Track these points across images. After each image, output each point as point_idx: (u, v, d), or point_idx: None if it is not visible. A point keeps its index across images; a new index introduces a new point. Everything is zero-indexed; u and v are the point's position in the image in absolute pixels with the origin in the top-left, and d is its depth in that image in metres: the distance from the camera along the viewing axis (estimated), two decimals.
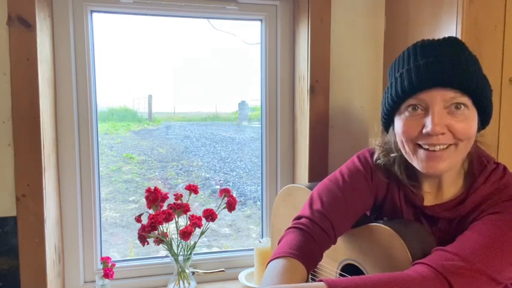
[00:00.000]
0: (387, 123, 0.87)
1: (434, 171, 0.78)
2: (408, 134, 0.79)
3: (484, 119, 0.81)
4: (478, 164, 0.83)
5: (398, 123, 0.82)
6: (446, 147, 0.77)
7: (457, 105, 0.75)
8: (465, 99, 0.75)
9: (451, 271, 0.68)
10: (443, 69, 0.74)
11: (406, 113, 0.79)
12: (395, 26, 1.37)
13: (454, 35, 1.03)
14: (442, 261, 0.70)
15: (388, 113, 0.84)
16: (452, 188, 0.85)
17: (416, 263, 0.73)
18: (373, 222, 0.87)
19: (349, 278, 0.70)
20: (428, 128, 0.75)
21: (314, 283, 0.69)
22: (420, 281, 0.67)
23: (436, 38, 0.80)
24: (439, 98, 0.75)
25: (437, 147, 0.76)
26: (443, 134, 0.75)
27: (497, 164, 0.84)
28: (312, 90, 1.36)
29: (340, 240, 0.93)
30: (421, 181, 0.88)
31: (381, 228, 0.84)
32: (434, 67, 0.75)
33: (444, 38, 0.80)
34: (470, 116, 0.77)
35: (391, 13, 1.40)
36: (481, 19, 1.05)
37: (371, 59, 1.44)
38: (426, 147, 0.77)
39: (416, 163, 0.81)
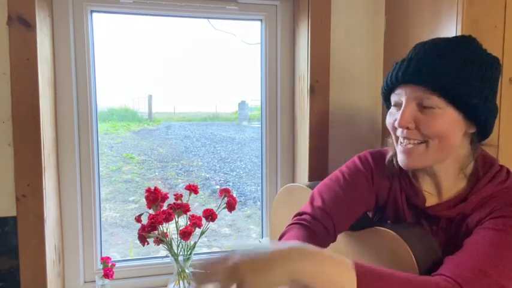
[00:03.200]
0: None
1: (405, 165, 0.82)
2: (388, 124, 0.84)
3: (482, 130, 0.80)
4: (482, 166, 0.83)
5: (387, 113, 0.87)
6: (418, 144, 0.79)
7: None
8: (434, 98, 0.76)
9: (470, 284, 0.68)
10: (414, 68, 0.77)
11: (391, 105, 0.84)
12: (395, 26, 1.37)
13: (454, 35, 1.03)
14: (461, 274, 0.69)
15: (384, 100, 0.89)
16: (454, 189, 0.85)
17: (435, 275, 0.71)
18: (377, 226, 0.87)
19: (378, 268, 0.67)
20: (396, 120, 0.79)
21: (341, 258, 0.65)
22: None
23: (449, 37, 0.82)
24: (412, 94, 0.78)
25: (408, 142, 0.79)
26: (408, 128, 0.78)
27: (501, 166, 0.84)
28: (312, 90, 1.36)
29: (342, 243, 0.92)
30: (419, 177, 0.88)
31: (384, 232, 0.83)
32: (409, 65, 0.78)
33: (454, 38, 0.81)
34: (440, 114, 0.76)
35: (391, 13, 1.40)
36: (481, 19, 1.05)
37: (371, 59, 1.44)
38: (400, 140, 0.81)
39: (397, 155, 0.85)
